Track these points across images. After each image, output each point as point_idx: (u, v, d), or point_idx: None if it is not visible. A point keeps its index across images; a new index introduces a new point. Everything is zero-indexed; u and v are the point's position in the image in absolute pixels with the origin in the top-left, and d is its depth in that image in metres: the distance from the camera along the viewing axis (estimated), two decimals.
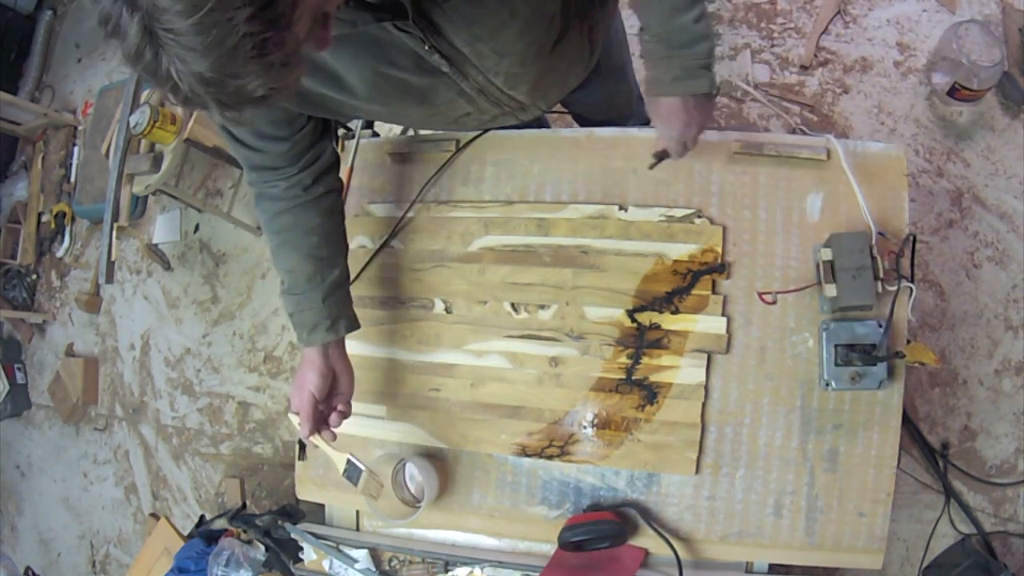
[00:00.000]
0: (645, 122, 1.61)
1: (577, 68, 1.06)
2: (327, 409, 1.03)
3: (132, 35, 0.50)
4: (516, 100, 0.99)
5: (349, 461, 1.07)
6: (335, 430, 1.03)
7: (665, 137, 1.00)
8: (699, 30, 0.90)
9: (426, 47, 0.81)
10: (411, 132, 1.45)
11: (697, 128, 0.97)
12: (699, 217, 1.12)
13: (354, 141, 1.28)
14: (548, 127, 1.65)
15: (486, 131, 1.22)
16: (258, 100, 0.57)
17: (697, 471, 1.09)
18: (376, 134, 1.32)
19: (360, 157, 1.29)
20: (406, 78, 0.86)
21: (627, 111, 1.44)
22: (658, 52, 0.93)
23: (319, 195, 1.01)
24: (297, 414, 1.00)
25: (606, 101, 1.35)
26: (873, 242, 1.01)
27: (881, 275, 1.01)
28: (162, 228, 2.89)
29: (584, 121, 1.43)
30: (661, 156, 1.03)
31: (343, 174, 1.27)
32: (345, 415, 1.04)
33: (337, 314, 1.02)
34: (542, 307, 1.16)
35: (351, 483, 1.07)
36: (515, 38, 0.86)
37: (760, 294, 1.08)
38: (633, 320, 1.12)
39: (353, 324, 1.06)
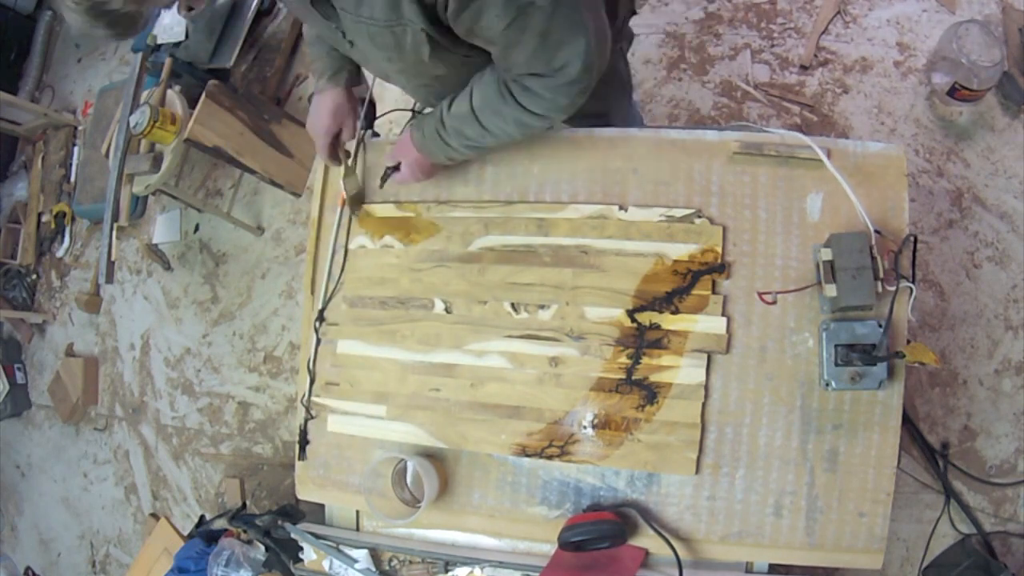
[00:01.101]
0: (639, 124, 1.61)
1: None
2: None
3: None
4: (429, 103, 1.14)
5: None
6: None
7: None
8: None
9: (333, 26, 0.93)
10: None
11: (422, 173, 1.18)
12: (699, 217, 1.12)
13: (354, 141, 1.28)
14: None
15: None
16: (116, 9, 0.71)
17: (697, 471, 1.09)
18: (376, 134, 1.31)
19: (360, 157, 1.29)
20: (328, 35, 0.99)
21: (612, 107, 1.42)
22: (438, 127, 1.07)
23: None
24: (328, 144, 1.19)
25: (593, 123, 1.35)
26: (873, 242, 1.01)
27: (881, 275, 1.01)
28: (162, 228, 2.89)
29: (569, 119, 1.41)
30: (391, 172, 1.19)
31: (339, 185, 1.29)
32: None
33: (338, 66, 1.16)
34: (542, 307, 1.16)
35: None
36: (396, 73, 1.03)
37: (760, 294, 1.08)
38: (633, 320, 1.12)
39: (354, 78, 1.19)
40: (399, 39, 0.90)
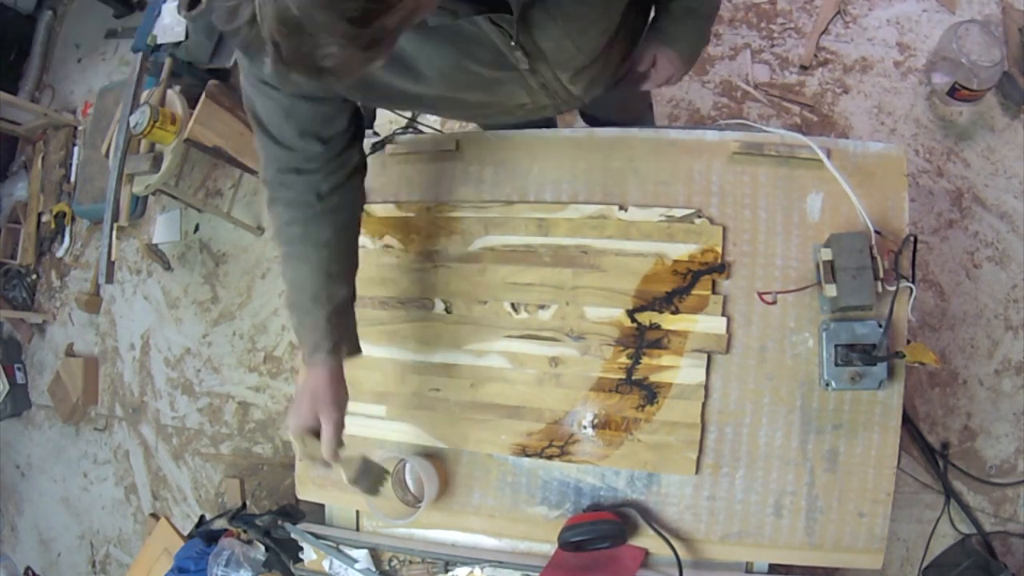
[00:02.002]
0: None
1: (619, 64, 1.09)
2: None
3: None
4: (571, 93, 1.02)
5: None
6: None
7: (656, 80, 1.16)
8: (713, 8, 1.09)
9: (512, 43, 0.81)
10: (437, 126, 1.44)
11: (678, 78, 1.18)
12: (699, 217, 1.12)
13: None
14: (556, 125, 1.65)
15: (516, 127, 1.24)
16: (317, 70, 0.53)
17: (697, 471, 1.09)
18: (377, 134, 1.31)
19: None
20: (481, 71, 0.87)
21: (639, 116, 1.45)
22: (681, 13, 1.07)
23: (335, 206, 0.96)
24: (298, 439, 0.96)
25: (624, 104, 1.36)
26: (873, 242, 1.01)
27: (881, 275, 1.01)
28: (162, 228, 2.89)
29: (594, 121, 1.43)
30: None
31: None
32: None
33: (339, 337, 0.97)
34: (542, 307, 1.16)
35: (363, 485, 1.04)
36: (599, 35, 0.90)
37: (760, 294, 1.08)
38: (633, 320, 1.12)
39: (354, 349, 1.01)
40: None
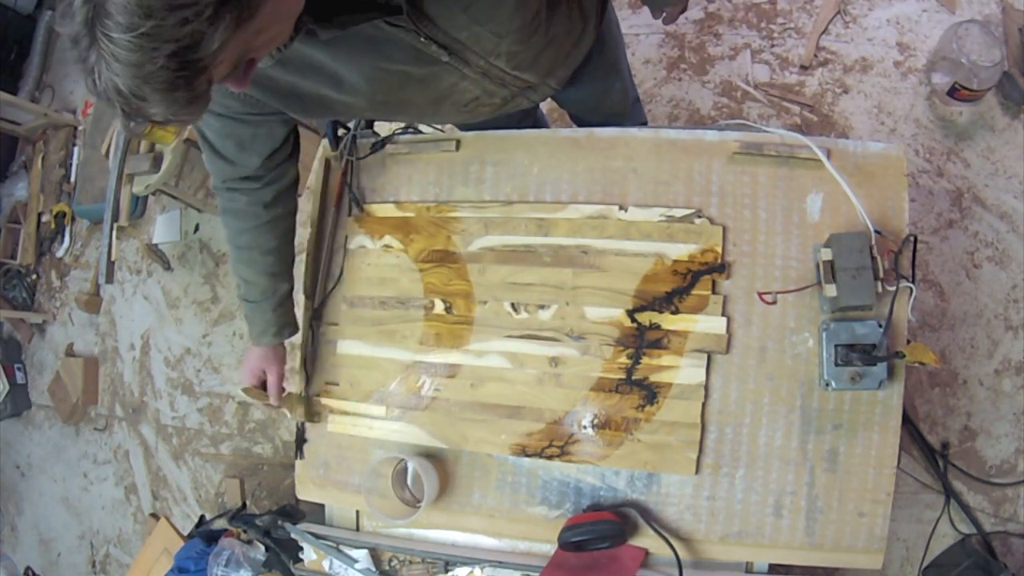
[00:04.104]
0: (643, 123, 1.62)
1: (574, 40, 1.07)
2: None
3: (78, 22, 0.55)
4: (522, 79, 1.01)
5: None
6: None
7: (671, 16, 1.21)
8: None
9: (421, 39, 0.81)
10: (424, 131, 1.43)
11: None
12: (699, 217, 1.12)
13: (351, 141, 1.28)
14: (548, 127, 1.65)
15: (496, 127, 1.23)
16: (158, 122, 0.63)
17: (697, 471, 1.09)
18: (377, 134, 1.31)
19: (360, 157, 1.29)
20: (405, 69, 0.87)
21: (621, 110, 1.44)
22: None
23: (277, 216, 1.11)
24: (248, 390, 1.21)
25: (600, 98, 1.35)
26: (873, 242, 1.01)
27: (881, 275, 1.01)
28: (162, 228, 2.89)
29: (580, 122, 1.43)
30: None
31: (337, 178, 1.29)
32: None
33: (283, 323, 1.19)
34: (542, 307, 1.16)
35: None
36: (511, 16, 0.87)
37: (760, 294, 1.08)
38: (633, 320, 1.12)
39: (294, 330, 1.23)
40: None
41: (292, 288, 1.20)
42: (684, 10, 1.20)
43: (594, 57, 1.15)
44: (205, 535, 1.60)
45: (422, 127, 1.32)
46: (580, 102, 1.37)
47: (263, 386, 1.21)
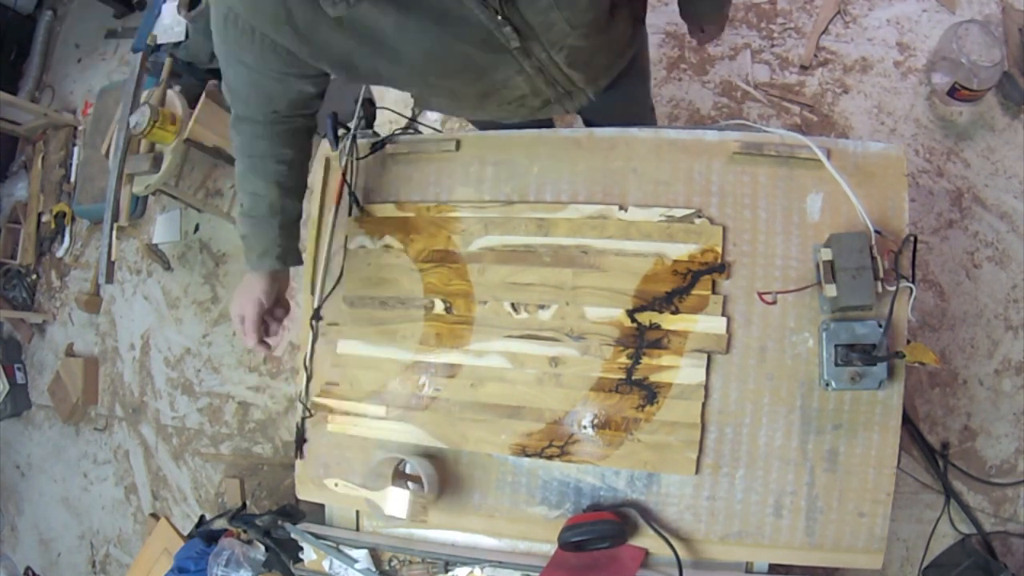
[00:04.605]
0: None
1: (625, 43, 1.09)
2: (268, 323, 1.14)
3: None
4: (571, 81, 1.02)
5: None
6: (274, 348, 1.16)
7: (708, 36, 1.29)
8: None
9: (499, 17, 0.81)
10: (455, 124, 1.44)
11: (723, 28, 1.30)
12: (699, 217, 1.12)
13: (351, 141, 1.28)
14: (553, 126, 1.65)
15: (524, 126, 1.23)
16: None
17: (697, 471, 1.09)
18: (377, 134, 1.31)
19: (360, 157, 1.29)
20: (469, 52, 0.86)
21: (639, 121, 1.44)
22: None
23: (295, 127, 1.05)
24: (242, 323, 1.12)
25: (627, 106, 1.34)
26: (873, 242, 1.01)
27: (881, 275, 1.01)
28: (162, 228, 2.89)
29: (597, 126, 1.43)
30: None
31: (337, 178, 1.28)
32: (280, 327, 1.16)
33: (288, 245, 1.09)
34: (542, 307, 1.16)
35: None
36: (587, 7, 0.88)
37: (760, 294, 1.08)
38: (633, 320, 1.12)
39: (298, 260, 1.14)
40: None
41: (301, 215, 1.12)
42: (720, 31, 1.24)
43: (633, 63, 1.17)
44: (205, 535, 1.60)
45: (422, 127, 1.32)
46: (606, 109, 1.31)
47: (266, 330, 1.13)
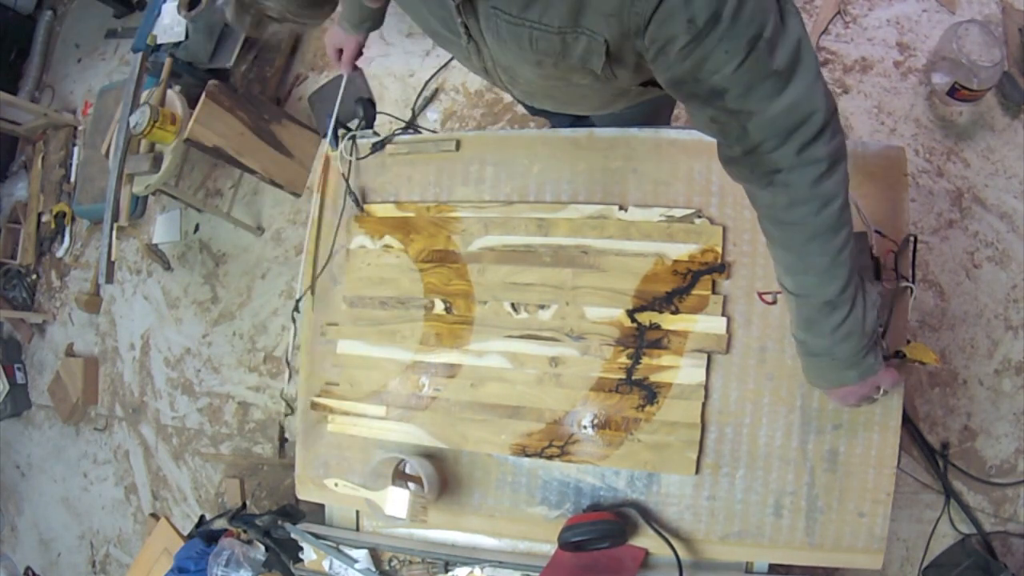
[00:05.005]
0: None
1: (611, 97, 1.05)
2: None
3: None
4: (512, 92, 1.02)
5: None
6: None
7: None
8: (838, 337, 0.86)
9: (458, 18, 0.82)
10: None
11: (856, 400, 0.95)
12: (699, 217, 1.12)
13: (351, 141, 1.28)
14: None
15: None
16: (272, 17, 0.69)
17: (697, 471, 1.09)
18: (377, 134, 1.31)
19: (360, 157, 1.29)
20: (431, 21, 0.89)
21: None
22: (801, 352, 0.94)
23: None
24: (337, 56, 1.31)
25: (647, 118, 1.31)
26: (873, 242, 1.01)
27: (881, 275, 1.01)
28: (162, 228, 2.89)
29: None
30: None
31: (337, 178, 1.27)
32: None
33: (376, 16, 1.25)
34: (542, 307, 1.16)
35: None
36: (532, 75, 0.89)
37: (760, 294, 1.08)
38: (633, 320, 1.12)
39: (380, 23, 1.30)
40: (568, 47, 0.79)
41: None
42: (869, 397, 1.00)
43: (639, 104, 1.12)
44: (205, 535, 1.60)
45: (422, 127, 1.32)
46: (618, 117, 1.21)
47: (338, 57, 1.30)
